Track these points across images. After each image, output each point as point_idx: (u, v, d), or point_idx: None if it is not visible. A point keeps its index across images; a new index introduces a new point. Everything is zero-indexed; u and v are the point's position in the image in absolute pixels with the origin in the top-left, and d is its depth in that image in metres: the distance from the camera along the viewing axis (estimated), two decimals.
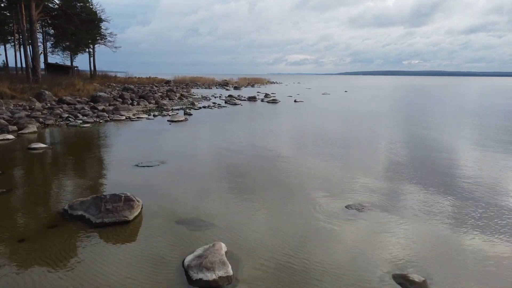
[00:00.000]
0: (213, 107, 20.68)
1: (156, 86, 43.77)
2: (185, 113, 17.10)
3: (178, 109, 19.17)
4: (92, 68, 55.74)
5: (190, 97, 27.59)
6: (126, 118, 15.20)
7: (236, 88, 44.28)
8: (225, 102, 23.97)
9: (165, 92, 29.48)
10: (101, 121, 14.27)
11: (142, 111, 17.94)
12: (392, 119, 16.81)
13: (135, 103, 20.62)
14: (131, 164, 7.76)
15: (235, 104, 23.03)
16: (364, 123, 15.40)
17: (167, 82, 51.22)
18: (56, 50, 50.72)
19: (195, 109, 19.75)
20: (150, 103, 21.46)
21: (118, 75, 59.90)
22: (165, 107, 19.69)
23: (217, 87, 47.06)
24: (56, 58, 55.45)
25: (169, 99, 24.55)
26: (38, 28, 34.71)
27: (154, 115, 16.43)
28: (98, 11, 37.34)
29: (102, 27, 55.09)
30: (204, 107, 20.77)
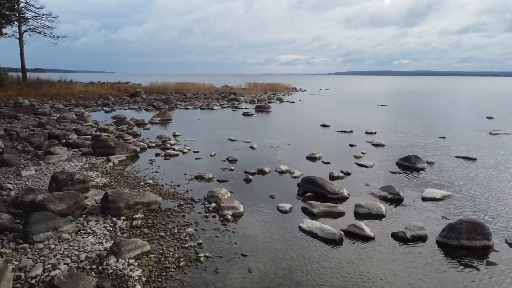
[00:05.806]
0: None
1: (105, 107, 22.16)
2: None
3: None
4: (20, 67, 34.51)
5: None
6: None
7: (260, 108, 22.49)
8: None
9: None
10: None
11: None
12: None
13: None
14: None
15: None
16: None
17: (134, 94, 29.57)
18: None
19: None
20: None
21: (107, 77, 38.49)
22: None
23: (222, 104, 25.51)
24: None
25: None
26: None
27: None
28: None
29: (36, 4, 34.02)
30: None
